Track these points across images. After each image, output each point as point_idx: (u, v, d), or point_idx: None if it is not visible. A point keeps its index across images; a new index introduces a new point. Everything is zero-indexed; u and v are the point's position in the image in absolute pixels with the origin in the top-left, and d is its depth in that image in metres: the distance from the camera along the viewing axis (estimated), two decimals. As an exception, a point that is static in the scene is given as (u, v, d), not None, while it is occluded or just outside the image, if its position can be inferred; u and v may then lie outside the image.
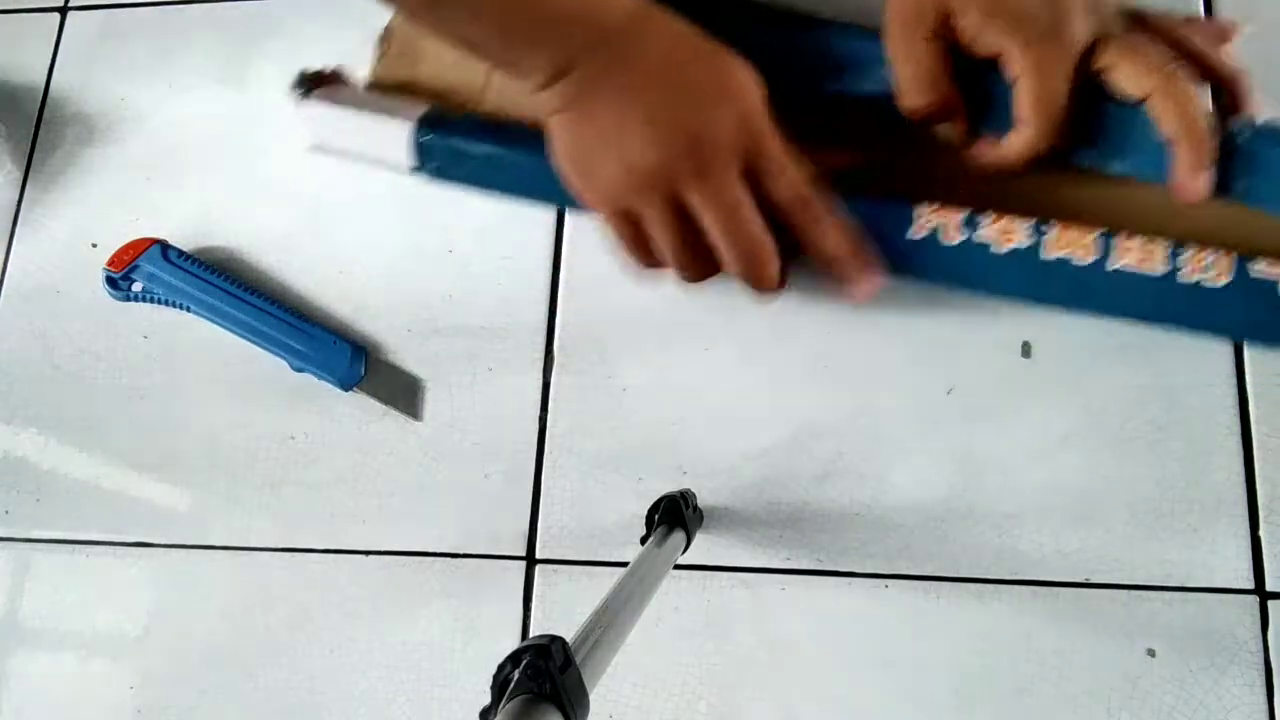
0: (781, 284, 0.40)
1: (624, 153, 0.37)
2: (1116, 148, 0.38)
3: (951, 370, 0.46)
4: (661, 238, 0.39)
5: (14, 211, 0.57)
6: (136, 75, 0.59)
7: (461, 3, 0.37)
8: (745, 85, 0.38)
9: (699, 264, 0.40)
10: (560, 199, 0.43)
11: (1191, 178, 0.36)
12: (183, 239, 0.54)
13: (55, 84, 0.59)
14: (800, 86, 0.42)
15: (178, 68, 0.58)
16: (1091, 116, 0.38)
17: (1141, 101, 0.36)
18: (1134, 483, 0.43)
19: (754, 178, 0.38)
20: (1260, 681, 0.41)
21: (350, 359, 0.50)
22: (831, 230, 0.38)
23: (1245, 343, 0.44)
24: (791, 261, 0.40)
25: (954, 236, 0.39)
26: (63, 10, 0.61)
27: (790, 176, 0.38)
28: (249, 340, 0.51)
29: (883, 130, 0.42)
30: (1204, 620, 0.41)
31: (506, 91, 0.48)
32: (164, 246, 0.53)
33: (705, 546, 0.45)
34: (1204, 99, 0.38)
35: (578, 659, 0.27)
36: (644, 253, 0.40)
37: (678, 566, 0.44)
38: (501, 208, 0.51)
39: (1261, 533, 0.42)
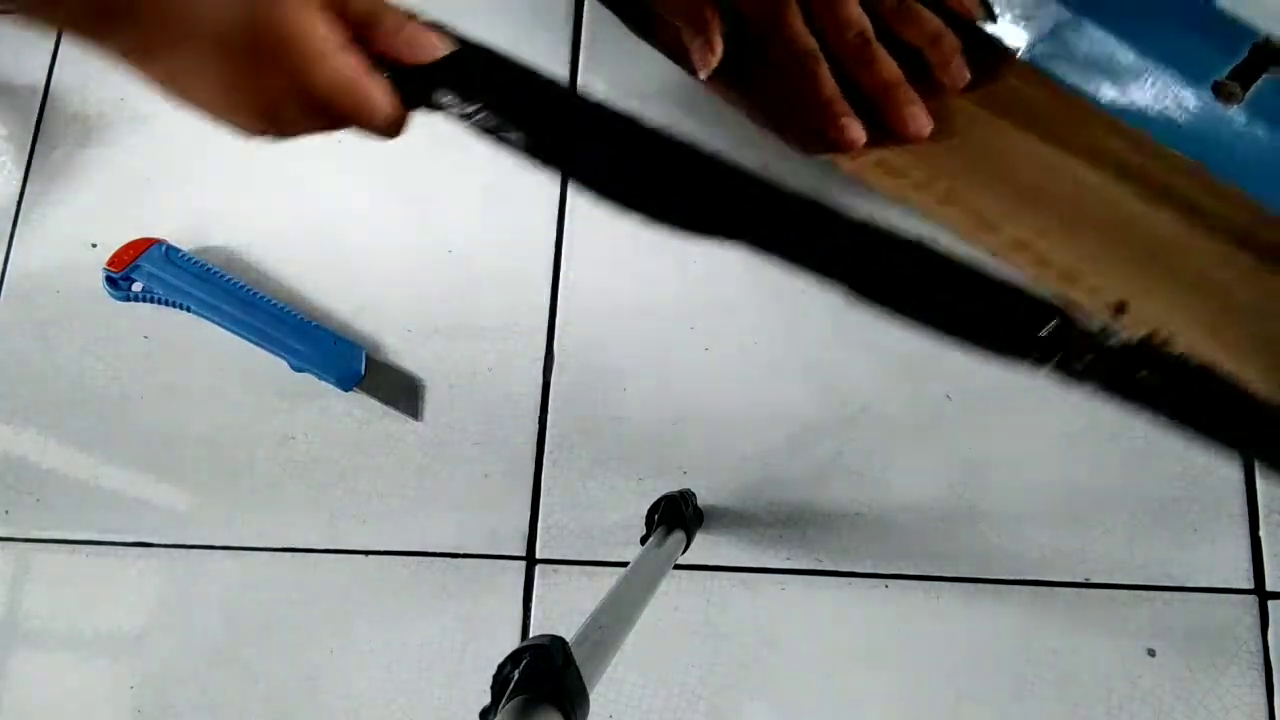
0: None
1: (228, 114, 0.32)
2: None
3: (951, 371, 0.46)
4: None
5: (14, 211, 0.57)
6: (136, 75, 0.59)
7: None
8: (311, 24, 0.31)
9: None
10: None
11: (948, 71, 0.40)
12: (183, 239, 0.54)
13: (55, 84, 0.59)
14: None
15: (178, 68, 0.58)
16: None
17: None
18: (1134, 483, 0.43)
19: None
20: (1260, 681, 0.41)
21: (350, 359, 0.50)
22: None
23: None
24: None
25: None
26: (63, 10, 0.61)
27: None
28: (249, 340, 0.51)
29: None
30: (1204, 620, 0.41)
31: None
32: (164, 246, 0.53)
33: (705, 546, 0.45)
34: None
35: (578, 659, 0.27)
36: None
37: (678, 566, 0.44)
38: (501, 208, 0.51)
39: (1261, 533, 0.42)
